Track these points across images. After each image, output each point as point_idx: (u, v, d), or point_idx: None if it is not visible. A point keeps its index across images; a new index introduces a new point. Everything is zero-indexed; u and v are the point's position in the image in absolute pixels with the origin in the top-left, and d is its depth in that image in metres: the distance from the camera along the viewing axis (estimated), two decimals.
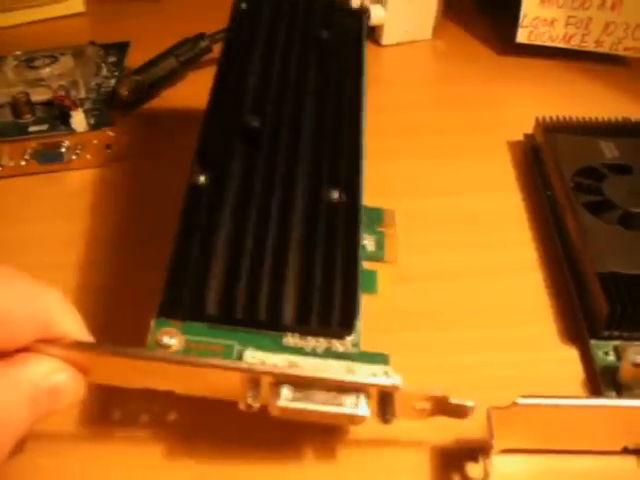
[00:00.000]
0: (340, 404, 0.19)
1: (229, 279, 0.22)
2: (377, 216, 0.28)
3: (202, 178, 0.23)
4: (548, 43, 0.42)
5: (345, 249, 0.23)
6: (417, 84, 0.43)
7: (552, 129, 0.33)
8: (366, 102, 0.27)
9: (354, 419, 0.19)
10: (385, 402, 0.19)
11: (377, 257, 0.26)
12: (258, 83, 0.26)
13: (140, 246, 0.29)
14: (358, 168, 0.24)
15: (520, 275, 0.28)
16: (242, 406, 0.19)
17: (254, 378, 0.19)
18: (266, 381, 0.19)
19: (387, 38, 0.45)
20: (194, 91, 0.40)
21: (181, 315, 0.21)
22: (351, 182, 0.23)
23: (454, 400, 0.19)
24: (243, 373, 0.19)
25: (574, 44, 0.42)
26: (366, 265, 0.25)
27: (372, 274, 0.26)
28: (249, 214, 0.23)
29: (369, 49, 0.44)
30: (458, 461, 0.20)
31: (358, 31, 0.31)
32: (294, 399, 0.19)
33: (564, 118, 0.34)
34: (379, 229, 0.27)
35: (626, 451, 0.21)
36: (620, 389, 0.22)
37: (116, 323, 0.24)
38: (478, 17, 0.48)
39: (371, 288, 0.25)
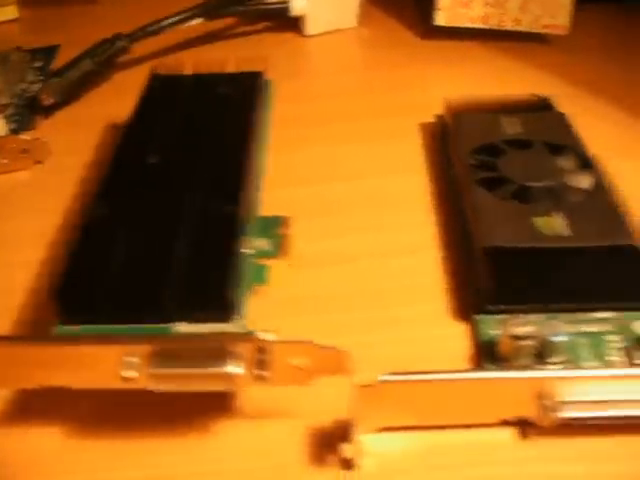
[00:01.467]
0: (211, 365, 0.19)
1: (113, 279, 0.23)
2: (274, 223, 0.28)
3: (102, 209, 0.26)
4: (467, 24, 0.42)
5: (225, 243, 0.24)
6: (340, 73, 0.43)
7: (458, 109, 0.33)
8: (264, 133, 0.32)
9: (227, 379, 0.19)
10: (260, 363, 0.20)
11: (271, 254, 0.27)
12: (161, 132, 0.30)
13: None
14: (243, 185, 0.27)
15: (419, 255, 0.28)
16: (119, 382, 0.20)
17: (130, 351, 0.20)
18: (140, 353, 0.20)
19: (311, 28, 0.45)
20: (117, 91, 0.41)
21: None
22: (236, 196, 0.26)
23: (322, 346, 0.19)
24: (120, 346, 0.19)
25: (492, 24, 0.42)
26: (259, 261, 0.26)
27: (262, 267, 0.26)
28: (139, 229, 0.25)
29: (293, 40, 0.45)
30: (333, 440, 0.20)
31: (254, 84, 0.34)
32: (164, 365, 0.20)
33: (472, 97, 0.34)
34: (275, 233, 0.28)
35: (505, 423, 0.21)
36: (500, 362, 0.22)
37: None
38: (404, 2, 0.48)
39: (261, 279, 0.26)
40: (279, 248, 0.27)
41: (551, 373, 0.21)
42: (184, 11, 0.42)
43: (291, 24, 0.46)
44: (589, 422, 0.20)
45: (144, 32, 0.41)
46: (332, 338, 0.23)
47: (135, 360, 0.20)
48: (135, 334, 0.22)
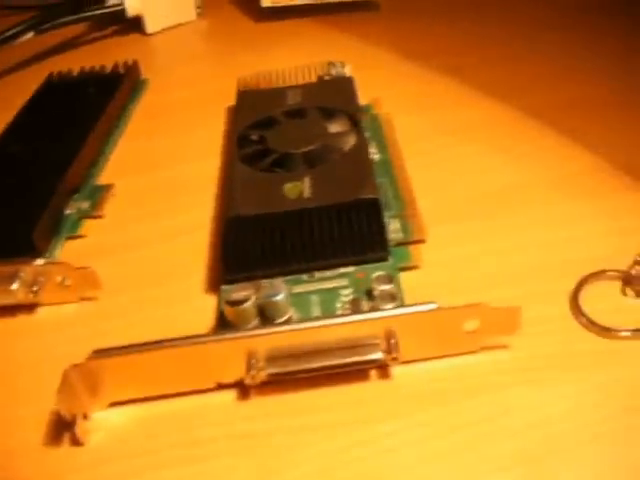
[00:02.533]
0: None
1: None
2: (100, 190, 0.32)
3: None
4: (291, 2, 0.43)
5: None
6: (181, 66, 0.43)
7: (250, 86, 0.33)
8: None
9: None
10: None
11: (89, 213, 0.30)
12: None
13: None
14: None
15: (195, 234, 0.28)
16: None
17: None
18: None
19: (150, 26, 0.46)
20: None
21: None
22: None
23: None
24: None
25: None
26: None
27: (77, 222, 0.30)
28: None
29: (137, 40, 0.45)
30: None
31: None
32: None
33: (263, 74, 0.34)
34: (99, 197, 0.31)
35: (220, 387, 0.22)
36: (230, 329, 0.23)
37: None
38: None
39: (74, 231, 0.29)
40: (98, 208, 0.30)
41: (253, 332, 0.21)
42: (13, 27, 0.42)
43: (134, 25, 0.46)
44: (298, 376, 0.21)
45: None
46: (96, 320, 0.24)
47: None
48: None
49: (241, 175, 0.27)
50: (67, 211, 0.30)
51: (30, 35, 0.43)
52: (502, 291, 0.23)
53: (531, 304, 0.22)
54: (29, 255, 0.26)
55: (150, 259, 0.27)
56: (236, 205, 0.26)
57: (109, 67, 0.40)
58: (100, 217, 0.30)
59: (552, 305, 0.23)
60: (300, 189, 0.26)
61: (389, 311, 0.21)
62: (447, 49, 0.39)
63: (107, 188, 0.32)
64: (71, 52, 0.46)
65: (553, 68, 0.36)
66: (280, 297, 0.22)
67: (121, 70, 0.40)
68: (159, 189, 0.31)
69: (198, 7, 0.47)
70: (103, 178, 0.32)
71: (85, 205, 0.30)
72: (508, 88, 0.34)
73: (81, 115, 0.35)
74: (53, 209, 0.29)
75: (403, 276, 0.24)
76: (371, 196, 0.25)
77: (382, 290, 0.22)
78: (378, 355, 0.21)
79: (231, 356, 0.21)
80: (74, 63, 0.44)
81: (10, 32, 0.42)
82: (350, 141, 0.28)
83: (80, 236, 0.29)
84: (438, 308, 0.20)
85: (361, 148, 0.28)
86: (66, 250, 0.28)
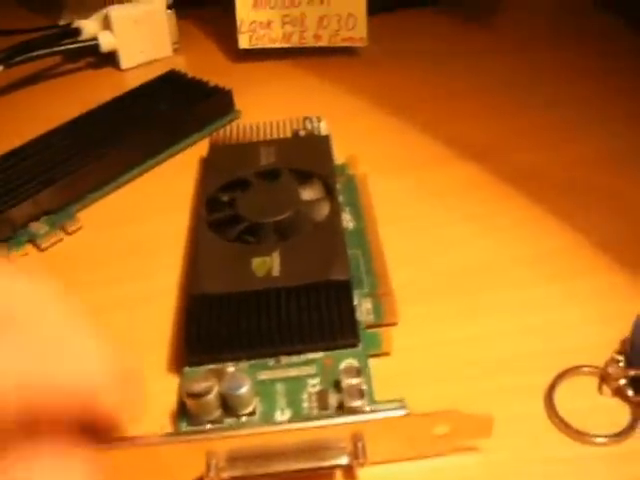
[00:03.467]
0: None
1: None
2: None
3: None
4: (269, 45, 0.42)
5: None
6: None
7: (221, 141, 0.33)
8: None
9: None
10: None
11: None
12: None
13: None
14: None
15: (157, 303, 0.27)
16: None
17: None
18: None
19: (125, 62, 0.45)
20: None
21: None
22: None
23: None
24: None
25: (294, 42, 0.42)
26: None
27: None
28: None
29: (111, 75, 0.44)
30: None
31: None
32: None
33: (237, 127, 0.33)
34: None
35: None
36: (192, 419, 0.22)
37: None
38: (219, 27, 0.48)
39: None
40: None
41: (212, 435, 0.20)
42: None
43: (107, 60, 0.45)
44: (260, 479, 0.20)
45: None
46: None
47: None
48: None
49: (208, 245, 0.26)
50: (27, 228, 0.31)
51: (0, 68, 0.41)
52: (475, 383, 0.23)
53: (504, 400, 0.22)
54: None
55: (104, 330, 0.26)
56: (201, 282, 0.25)
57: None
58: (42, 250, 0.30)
59: (526, 402, 0.22)
60: (269, 265, 0.25)
61: (357, 416, 0.20)
62: (429, 98, 0.38)
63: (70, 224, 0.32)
64: (42, 84, 0.45)
65: (539, 122, 0.35)
66: (243, 390, 0.22)
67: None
68: (122, 247, 0.30)
69: (175, 42, 0.46)
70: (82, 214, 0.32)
71: (42, 229, 0.31)
72: (491, 146, 0.34)
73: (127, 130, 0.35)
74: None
75: (373, 362, 0.23)
76: (342, 278, 0.24)
77: (350, 385, 0.22)
78: (344, 460, 0.20)
79: (190, 456, 0.20)
80: (45, 96, 0.43)
81: None
82: (323, 210, 0.28)
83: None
84: (408, 414, 0.19)
85: (334, 219, 0.27)
86: None
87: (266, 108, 0.39)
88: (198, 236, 0.27)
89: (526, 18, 0.47)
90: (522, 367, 0.23)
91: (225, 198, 0.29)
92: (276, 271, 0.24)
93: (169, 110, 0.36)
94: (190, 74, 0.40)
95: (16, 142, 0.35)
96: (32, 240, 0.31)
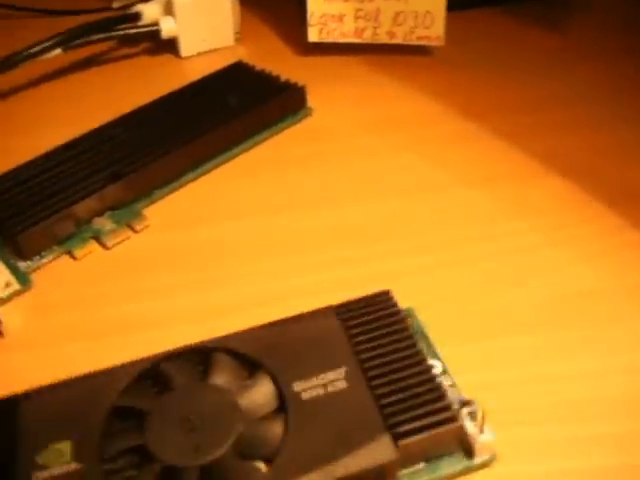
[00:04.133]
0: None
1: None
2: None
3: None
4: (340, 39, 0.40)
5: None
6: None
7: None
8: None
9: None
10: None
11: None
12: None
13: None
14: None
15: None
16: None
17: None
18: None
19: (185, 50, 0.43)
20: None
21: None
22: None
23: None
24: None
25: (366, 38, 0.40)
26: None
27: None
28: None
29: (170, 62, 0.43)
30: None
31: None
32: None
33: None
34: None
35: None
36: None
37: None
38: (285, 17, 0.46)
39: None
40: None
41: None
42: (40, 42, 0.39)
43: (167, 46, 0.44)
44: None
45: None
46: None
47: None
48: None
49: None
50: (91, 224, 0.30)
51: (58, 51, 0.40)
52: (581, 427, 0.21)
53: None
54: None
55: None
56: None
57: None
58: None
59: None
60: None
61: None
62: (507, 107, 0.36)
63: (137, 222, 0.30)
64: (99, 70, 0.43)
65: (628, 138, 0.33)
66: None
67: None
68: (193, 248, 0.29)
69: (237, 32, 0.44)
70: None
71: (107, 226, 0.30)
72: (581, 161, 0.32)
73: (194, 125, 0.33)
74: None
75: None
76: None
77: None
78: None
79: None
80: (102, 82, 0.42)
81: (37, 48, 0.39)
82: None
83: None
84: None
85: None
86: None
87: (334, 106, 0.37)
88: None
89: (599, 18, 0.44)
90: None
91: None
92: None
93: (238, 105, 0.35)
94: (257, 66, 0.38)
95: (70, 129, 0.34)
96: (96, 237, 0.30)
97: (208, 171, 0.33)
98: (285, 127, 0.35)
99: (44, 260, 0.29)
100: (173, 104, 0.36)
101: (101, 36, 0.41)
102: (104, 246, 0.30)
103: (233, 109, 0.35)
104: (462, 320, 0.25)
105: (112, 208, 0.31)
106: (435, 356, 0.23)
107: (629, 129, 0.34)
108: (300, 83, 0.36)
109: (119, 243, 0.30)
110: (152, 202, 0.32)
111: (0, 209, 0.29)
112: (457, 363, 0.23)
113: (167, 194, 0.32)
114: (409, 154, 0.33)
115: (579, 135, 0.34)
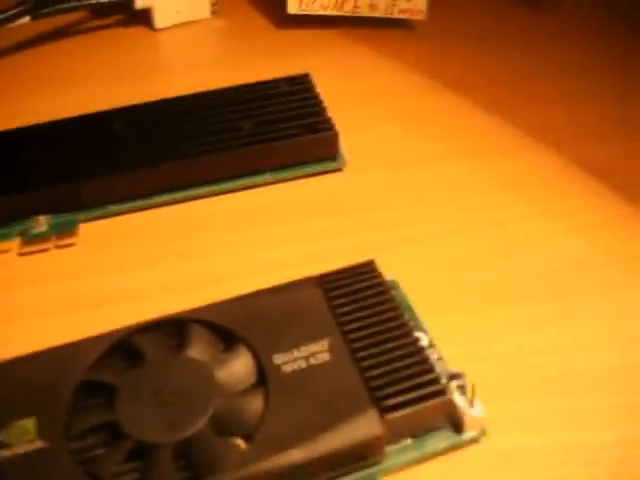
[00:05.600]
0: None
1: None
2: None
3: None
4: (320, 12, 0.39)
5: None
6: (192, 68, 0.39)
7: None
8: None
9: None
10: None
11: None
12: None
13: None
14: None
15: None
16: None
17: None
18: None
19: (160, 21, 0.41)
20: None
21: None
22: None
23: None
24: None
25: (347, 10, 0.39)
26: None
27: None
28: None
29: (142, 35, 0.41)
30: None
31: None
32: None
33: None
34: None
35: None
36: None
37: None
38: None
39: None
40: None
41: None
42: (9, 9, 0.38)
43: (140, 17, 0.42)
44: None
45: None
46: None
47: None
48: None
49: None
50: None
51: (26, 19, 0.38)
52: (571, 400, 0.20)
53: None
54: None
55: None
56: None
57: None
58: None
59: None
60: None
61: None
62: (496, 81, 0.35)
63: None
64: (69, 40, 0.42)
65: (611, 113, 0.33)
66: None
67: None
68: None
69: (213, 4, 0.42)
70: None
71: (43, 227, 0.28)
72: (566, 135, 0.31)
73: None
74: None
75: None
76: None
77: None
78: None
79: None
80: (72, 52, 0.40)
81: (5, 14, 0.37)
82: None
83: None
84: None
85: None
86: None
87: (313, 79, 0.36)
88: None
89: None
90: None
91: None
92: None
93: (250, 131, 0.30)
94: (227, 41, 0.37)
95: (38, 100, 0.33)
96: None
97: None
98: (300, 175, 0.30)
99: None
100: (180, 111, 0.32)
101: (72, 4, 0.40)
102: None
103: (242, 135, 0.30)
104: (449, 293, 0.24)
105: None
106: (421, 329, 0.22)
107: (611, 102, 0.33)
108: (337, 128, 0.30)
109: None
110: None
111: None
112: (444, 336, 0.22)
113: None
114: (392, 126, 0.32)
115: (563, 108, 0.33)
